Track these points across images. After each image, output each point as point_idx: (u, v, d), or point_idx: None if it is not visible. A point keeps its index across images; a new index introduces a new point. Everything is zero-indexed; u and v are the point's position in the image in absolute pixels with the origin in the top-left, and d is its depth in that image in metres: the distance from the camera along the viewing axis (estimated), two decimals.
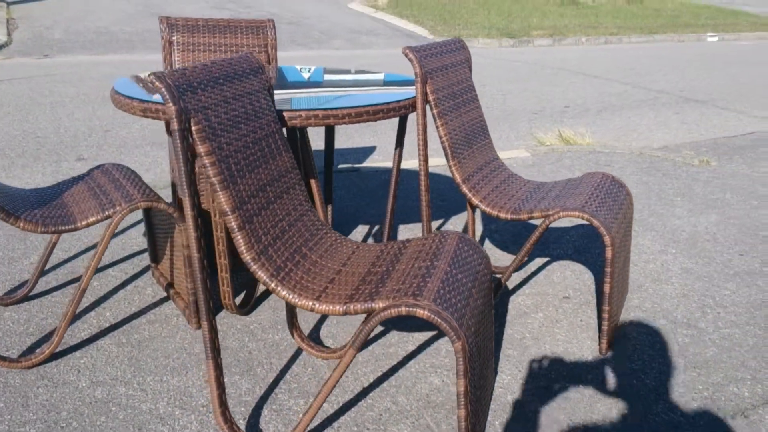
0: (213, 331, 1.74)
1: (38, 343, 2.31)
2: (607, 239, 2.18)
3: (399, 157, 2.56)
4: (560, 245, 3.21)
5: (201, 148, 1.64)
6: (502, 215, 2.37)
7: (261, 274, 1.71)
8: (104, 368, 2.18)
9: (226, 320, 2.48)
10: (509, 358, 2.28)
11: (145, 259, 2.96)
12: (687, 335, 2.43)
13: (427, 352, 2.31)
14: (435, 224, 3.46)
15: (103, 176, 2.49)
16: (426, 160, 2.42)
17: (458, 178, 2.41)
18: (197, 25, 3.26)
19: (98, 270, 2.86)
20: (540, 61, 10.11)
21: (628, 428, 1.93)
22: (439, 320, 1.57)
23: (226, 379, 2.14)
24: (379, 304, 1.64)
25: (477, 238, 3.31)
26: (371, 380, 2.16)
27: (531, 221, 3.54)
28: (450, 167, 2.43)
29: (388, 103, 2.27)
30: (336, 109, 2.18)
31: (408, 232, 3.34)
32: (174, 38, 3.20)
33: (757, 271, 2.96)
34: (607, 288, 2.22)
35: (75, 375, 2.14)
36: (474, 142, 2.58)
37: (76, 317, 2.49)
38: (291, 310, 2.27)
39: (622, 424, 1.96)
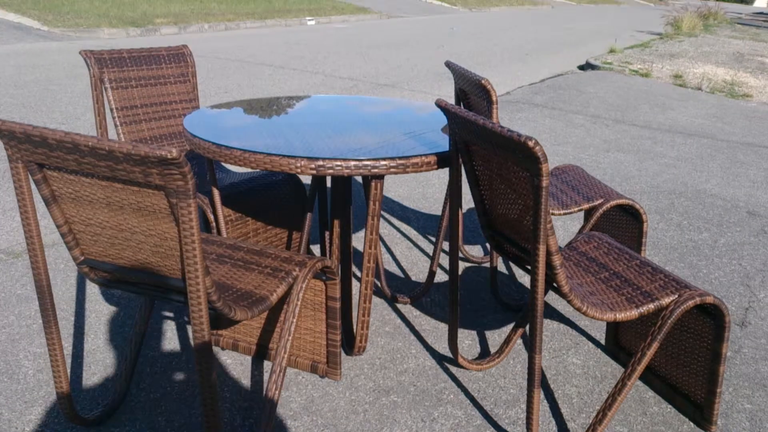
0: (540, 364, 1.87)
1: None
2: (644, 216, 2.78)
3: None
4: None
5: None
6: (556, 212, 2.78)
7: (576, 301, 1.89)
8: None
9: (347, 363, 2.42)
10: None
11: (156, 330, 2.58)
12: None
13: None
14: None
15: (207, 245, 2.17)
16: None
17: None
18: (123, 58, 2.85)
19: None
20: (198, 52, 10.06)
21: None
22: (719, 302, 2.00)
23: (448, 422, 2.18)
24: (665, 300, 1.99)
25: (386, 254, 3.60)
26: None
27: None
28: None
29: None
30: None
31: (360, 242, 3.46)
32: (105, 75, 2.75)
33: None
34: (644, 254, 2.83)
35: None
36: None
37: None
38: (453, 332, 2.37)
39: None
